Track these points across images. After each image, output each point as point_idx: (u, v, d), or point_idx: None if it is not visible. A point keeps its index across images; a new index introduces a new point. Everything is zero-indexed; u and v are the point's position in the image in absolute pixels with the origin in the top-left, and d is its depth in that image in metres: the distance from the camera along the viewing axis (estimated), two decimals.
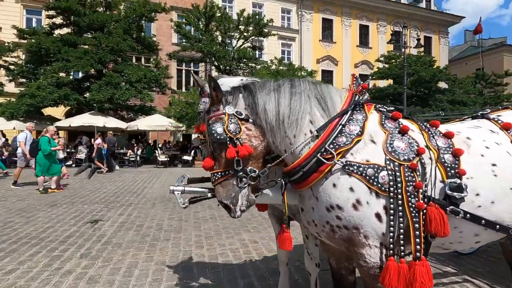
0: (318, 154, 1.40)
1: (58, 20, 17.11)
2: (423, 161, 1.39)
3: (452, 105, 20.20)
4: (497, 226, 1.42)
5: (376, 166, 1.35)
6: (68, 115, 18.85)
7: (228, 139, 1.44)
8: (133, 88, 15.79)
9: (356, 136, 1.42)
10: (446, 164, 1.40)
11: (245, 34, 18.08)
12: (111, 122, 15.46)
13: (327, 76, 27.23)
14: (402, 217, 1.31)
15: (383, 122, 1.52)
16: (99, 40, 15.83)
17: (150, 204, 6.45)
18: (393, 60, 22.63)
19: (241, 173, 1.45)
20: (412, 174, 1.34)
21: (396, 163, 1.36)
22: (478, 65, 33.86)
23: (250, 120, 1.50)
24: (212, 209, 6.05)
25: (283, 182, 1.53)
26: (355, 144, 1.40)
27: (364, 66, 28.60)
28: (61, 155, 8.57)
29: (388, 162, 1.36)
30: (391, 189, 1.32)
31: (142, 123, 16.22)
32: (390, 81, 23.07)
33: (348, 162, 1.36)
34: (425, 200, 1.33)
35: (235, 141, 1.44)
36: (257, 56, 19.69)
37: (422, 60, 21.76)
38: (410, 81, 19.96)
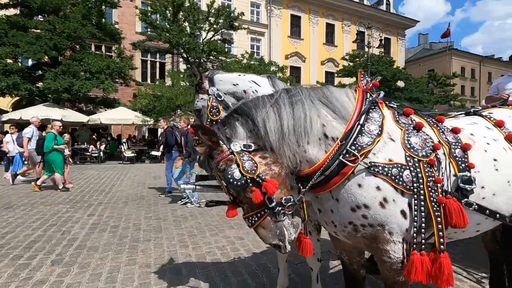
0: (340, 156, 1.38)
1: (4, 0, 15.23)
2: (438, 156, 1.44)
3: (410, 102, 21.73)
4: (497, 215, 1.53)
5: (399, 165, 1.37)
6: (16, 106, 16.99)
7: (249, 181, 1.31)
8: (94, 78, 14.64)
9: (377, 136, 1.42)
10: (457, 158, 1.47)
11: (215, 26, 17.64)
12: (70, 114, 14.23)
13: (295, 72, 27.70)
14: (424, 212, 1.35)
15: (397, 119, 1.54)
16: (53, 24, 14.37)
17: (122, 203, 6.06)
18: (357, 59, 23.70)
19: (278, 208, 1.34)
20: (431, 170, 1.38)
21: (416, 159, 1.39)
22: (429, 66, 36.98)
23: (259, 147, 1.38)
24: (190, 205, 5.87)
25: (300, 186, 1.46)
26: (377, 144, 1.41)
27: (330, 63, 29.59)
28: (66, 151, 7.92)
29: (408, 159, 1.39)
30: (415, 185, 1.35)
31: (105, 116, 15.16)
32: (354, 79, 24.18)
33: (373, 163, 1.36)
34: (443, 194, 1.38)
35: (257, 179, 1.31)
36: (226, 49, 19.29)
37: (383, 60, 23.09)
38: (373, 79, 21.07)
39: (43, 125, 9.15)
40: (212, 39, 17.84)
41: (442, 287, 1.29)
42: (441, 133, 1.55)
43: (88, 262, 3.23)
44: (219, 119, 1.99)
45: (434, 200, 1.35)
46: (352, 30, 30.22)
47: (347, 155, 1.38)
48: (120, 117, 14.67)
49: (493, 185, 1.51)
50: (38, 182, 7.24)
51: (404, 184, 1.35)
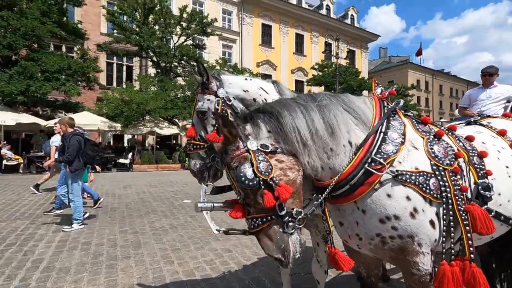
0: (366, 165, 1.33)
1: None
2: (460, 164, 1.45)
3: None
4: (510, 221, 1.58)
5: (425, 173, 1.35)
6: None
7: (262, 182, 1.22)
8: (54, 79, 13.50)
9: (400, 144, 1.40)
10: (476, 166, 1.49)
11: (187, 31, 17.31)
12: (25, 119, 12.94)
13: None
14: (452, 221, 1.34)
15: (417, 127, 1.54)
16: (7, 20, 13.08)
17: (91, 217, 5.55)
18: (326, 69, 24.68)
19: (287, 217, 1.23)
20: (456, 178, 1.38)
21: (441, 168, 1.39)
22: (389, 78, 39.71)
23: (279, 150, 1.30)
24: (168, 217, 5.55)
25: (321, 198, 1.38)
26: (401, 152, 1.38)
27: (300, 72, 30.46)
28: None
29: (434, 167, 1.38)
30: (443, 194, 1.33)
31: None
32: (323, 88, 25.11)
33: (399, 172, 1.33)
34: (467, 201, 1.38)
35: (270, 183, 1.21)
36: (198, 55, 18.97)
37: (350, 71, 24.28)
38: (341, 88, 22.05)
39: None
40: (184, 44, 17.45)
41: None
42: (458, 141, 1.57)
43: (60, 287, 2.84)
44: None
45: (462, 208, 1.35)
46: (320, 41, 31.57)
47: (372, 164, 1.33)
48: (84, 122, 13.60)
49: (507, 192, 1.55)
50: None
51: (432, 192, 1.33)
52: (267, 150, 1.27)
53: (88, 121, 13.54)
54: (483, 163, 1.51)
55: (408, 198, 1.32)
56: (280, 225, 1.25)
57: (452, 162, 1.42)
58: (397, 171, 1.33)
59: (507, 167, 1.60)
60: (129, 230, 4.69)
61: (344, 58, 23.49)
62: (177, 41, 17.41)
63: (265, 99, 1.93)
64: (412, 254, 1.35)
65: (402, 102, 1.60)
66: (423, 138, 1.48)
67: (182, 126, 18.19)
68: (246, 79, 2.06)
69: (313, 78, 24.82)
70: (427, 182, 1.34)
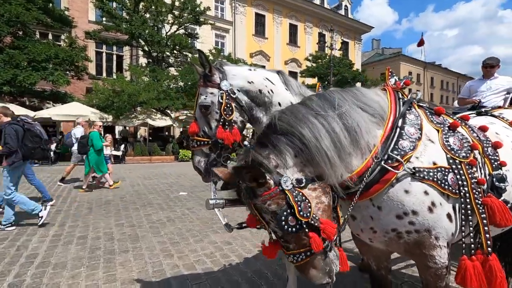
0: (382, 162, 1.28)
1: None
2: (476, 156, 1.42)
3: None
4: None
5: (443, 169, 1.32)
6: None
7: (305, 225, 1.12)
8: (42, 68, 13.03)
9: (417, 139, 1.35)
10: (490, 157, 1.46)
11: (180, 20, 16.87)
12: (13, 110, 12.47)
13: None
14: (471, 215, 1.31)
15: (431, 119, 1.50)
16: None
17: (85, 209, 5.43)
18: (320, 60, 24.54)
19: (329, 246, 1.19)
20: (472, 171, 1.35)
21: (457, 161, 1.35)
22: (382, 70, 39.79)
23: (309, 177, 1.19)
24: (165, 210, 5.48)
25: (335, 195, 1.32)
26: (419, 148, 1.34)
27: (293, 63, 30.23)
28: (108, 151, 7.91)
29: (451, 161, 1.34)
30: (461, 188, 1.30)
31: (56, 112, 13.58)
32: (315, 79, 25.03)
33: (417, 169, 1.29)
34: (484, 194, 1.36)
35: (312, 222, 1.13)
36: (191, 45, 18.55)
37: (344, 62, 24.20)
38: (335, 80, 22.02)
39: None
40: (176, 33, 17.03)
41: None
42: (472, 132, 1.54)
43: (57, 283, 2.76)
44: (231, 119, 1.77)
45: (479, 202, 1.32)
46: (314, 32, 31.31)
47: (389, 161, 1.28)
48: (74, 113, 13.26)
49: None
50: (84, 186, 7.05)
51: (450, 188, 1.30)
52: (302, 185, 1.15)
53: (78, 111, 13.18)
54: (497, 154, 1.48)
55: (426, 192, 1.28)
56: (323, 254, 1.20)
57: (468, 155, 1.38)
58: (414, 168, 1.28)
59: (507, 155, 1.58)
60: (126, 223, 4.61)
61: (338, 50, 23.40)
62: (169, 30, 16.97)
63: (271, 90, 1.84)
64: (429, 247, 1.32)
65: (420, 94, 1.55)
66: (438, 131, 1.44)
67: (175, 118, 17.95)
68: (250, 69, 1.94)
69: (307, 70, 24.67)
70: (445, 177, 1.30)
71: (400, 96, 1.53)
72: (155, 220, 4.80)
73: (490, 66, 3.60)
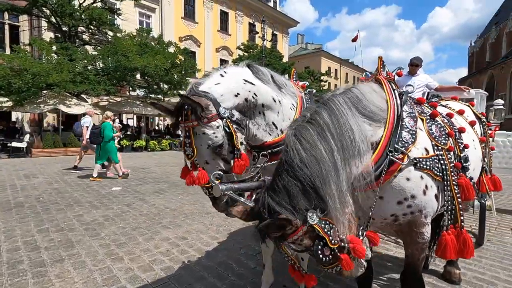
0: (390, 155, 1.35)
1: None
2: (451, 142, 1.62)
3: None
4: (475, 186, 1.87)
5: (434, 157, 1.47)
6: None
7: (337, 251, 1.14)
8: None
9: (416, 131, 1.47)
10: (458, 141, 1.70)
11: None
12: None
13: (190, 57, 26.60)
14: (450, 194, 1.50)
15: (417, 108, 1.64)
16: None
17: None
18: (251, 50, 24.82)
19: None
20: (450, 155, 1.54)
21: (439, 147, 1.52)
22: (306, 64, 42.79)
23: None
24: (99, 208, 4.82)
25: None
26: (418, 139, 1.46)
27: (225, 51, 29.85)
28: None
29: (435, 148, 1.50)
30: (444, 172, 1.47)
31: None
32: None
33: (418, 159, 1.41)
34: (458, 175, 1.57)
35: (343, 244, 1.16)
36: (111, 22, 16.35)
37: (274, 54, 25.03)
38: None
39: None
40: (93, 6, 14.75)
41: (467, 258, 1.48)
42: (444, 119, 1.75)
43: None
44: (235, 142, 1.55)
45: (455, 183, 1.52)
46: (245, 21, 31.37)
47: (396, 153, 1.36)
48: None
49: (474, 162, 1.84)
50: (94, 174, 7.28)
51: (437, 171, 1.46)
52: (326, 213, 1.12)
53: None
54: (462, 138, 1.73)
55: (421, 177, 1.42)
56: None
57: (446, 141, 1.57)
58: (415, 158, 1.39)
59: (473, 140, 1.88)
60: (51, 228, 3.87)
61: (270, 41, 24.04)
62: (84, 1, 14.57)
63: (255, 94, 1.69)
64: (419, 225, 1.47)
65: (411, 87, 1.67)
66: (423, 120, 1.59)
67: (93, 104, 15.80)
68: (222, 75, 1.65)
69: (239, 58, 24.66)
70: (436, 165, 1.45)
71: (394, 87, 1.62)
72: (89, 221, 4.17)
73: (415, 65, 4.19)
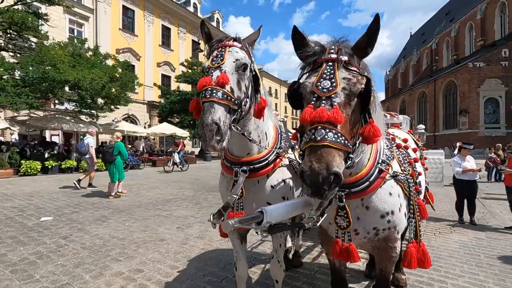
0: (379, 164, 1.56)
1: None
2: (412, 169, 1.90)
3: None
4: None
5: (405, 174, 1.70)
6: None
7: None
8: None
9: (393, 150, 1.70)
10: (415, 169, 1.98)
11: None
12: None
13: (129, 71, 25.11)
14: (412, 213, 1.74)
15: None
16: None
17: None
18: (195, 67, 24.67)
19: None
20: (412, 180, 1.79)
21: (406, 172, 1.77)
22: None
23: None
24: (27, 244, 4.10)
25: (342, 194, 1.49)
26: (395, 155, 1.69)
27: (167, 67, 29.08)
28: None
29: (402, 169, 1.74)
30: (410, 189, 1.71)
31: None
32: (190, 86, 25.08)
33: (396, 173, 1.64)
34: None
35: None
36: (37, 28, 14.51)
37: None
38: None
39: None
40: (13, 8, 12.95)
41: (427, 268, 1.71)
42: (402, 150, 2.03)
43: None
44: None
45: (416, 203, 1.77)
46: (188, 38, 31.23)
47: (384, 164, 1.58)
48: None
49: (422, 183, 2.15)
50: (113, 193, 7.61)
51: (407, 187, 1.69)
52: None
53: None
54: (416, 167, 2.03)
55: (399, 195, 1.62)
56: None
57: (409, 168, 1.84)
58: (395, 171, 1.62)
59: (420, 166, 2.22)
60: None
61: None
62: (1, 1, 12.71)
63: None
64: (393, 241, 1.66)
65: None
66: (392, 147, 1.84)
67: (11, 118, 13.58)
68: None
69: (182, 75, 24.28)
70: (407, 181, 1.68)
71: None
72: (16, 261, 3.50)
73: None
